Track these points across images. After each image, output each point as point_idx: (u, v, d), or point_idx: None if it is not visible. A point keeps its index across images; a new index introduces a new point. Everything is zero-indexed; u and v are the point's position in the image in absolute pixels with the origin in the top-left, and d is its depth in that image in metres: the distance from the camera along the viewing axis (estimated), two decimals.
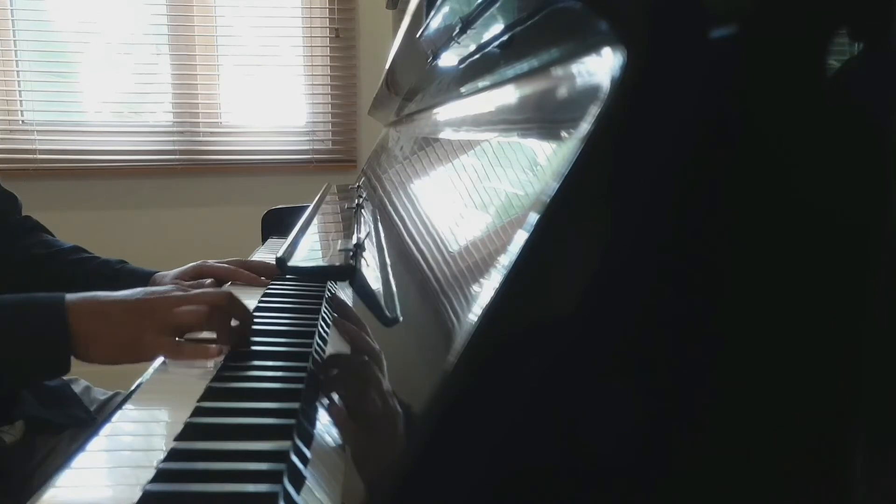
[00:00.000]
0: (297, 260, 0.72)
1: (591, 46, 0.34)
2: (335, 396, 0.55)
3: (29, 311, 0.66)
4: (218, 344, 0.67)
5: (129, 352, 0.67)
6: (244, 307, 0.72)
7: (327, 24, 2.48)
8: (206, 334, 0.71)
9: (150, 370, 0.67)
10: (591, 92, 0.31)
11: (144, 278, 1.04)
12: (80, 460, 0.48)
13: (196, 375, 0.62)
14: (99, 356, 0.67)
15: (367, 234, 0.79)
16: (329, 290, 0.88)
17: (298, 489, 0.43)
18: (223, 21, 2.44)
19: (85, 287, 0.75)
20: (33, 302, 0.68)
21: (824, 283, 0.29)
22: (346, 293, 0.76)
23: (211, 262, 1.04)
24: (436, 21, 0.62)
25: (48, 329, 0.65)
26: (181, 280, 1.00)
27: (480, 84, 0.63)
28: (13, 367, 0.66)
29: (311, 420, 0.51)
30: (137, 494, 0.42)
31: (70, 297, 0.68)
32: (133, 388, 0.63)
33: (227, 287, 0.98)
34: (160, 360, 0.71)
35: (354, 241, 0.74)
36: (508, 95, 0.52)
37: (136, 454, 0.50)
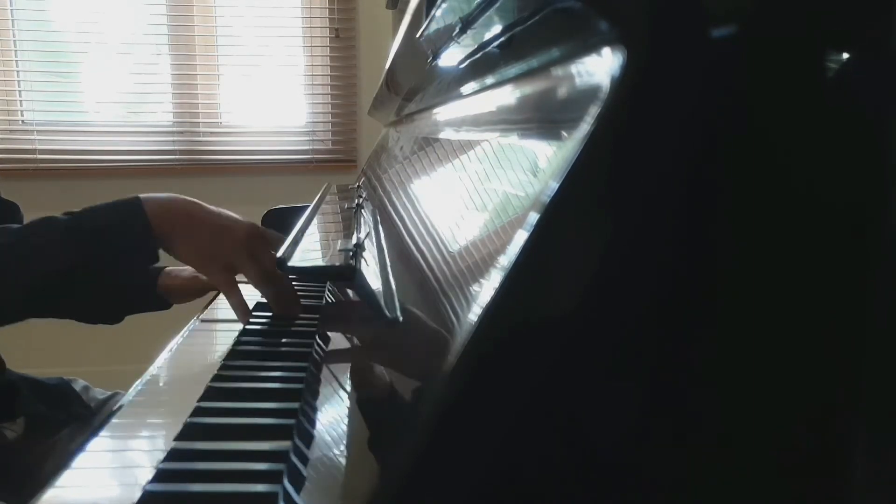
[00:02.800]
0: (297, 260, 0.72)
1: (591, 46, 0.34)
2: (334, 396, 0.55)
3: (109, 208, 0.79)
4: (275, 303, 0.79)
5: (208, 259, 0.78)
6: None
7: (327, 24, 2.48)
8: None
9: (150, 371, 0.67)
10: (591, 92, 0.31)
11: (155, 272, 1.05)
12: (81, 460, 0.48)
13: (195, 376, 0.62)
14: (183, 251, 0.77)
15: (367, 234, 0.79)
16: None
17: (298, 489, 0.43)
18: (223, 21, 2.44)
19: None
20: (112, 204, 0.79)
21: (824, 283, 0.29)
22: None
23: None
24: (436, 21, 0.62)
25: (129, 220, 0.76)
26: None
27: (480, 84, 0.63)
28: (106, 259, 0.75)
29: (311, 420, 0.51)
30: (137, 494, 0.42)
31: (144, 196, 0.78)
32: (133, 387, 0.63)
33: None
34: (159, 360, 0.71)
35: (354, 241, 0.74)
36: (508, 95, 0.52)
37: (137, 454, 0.50)
